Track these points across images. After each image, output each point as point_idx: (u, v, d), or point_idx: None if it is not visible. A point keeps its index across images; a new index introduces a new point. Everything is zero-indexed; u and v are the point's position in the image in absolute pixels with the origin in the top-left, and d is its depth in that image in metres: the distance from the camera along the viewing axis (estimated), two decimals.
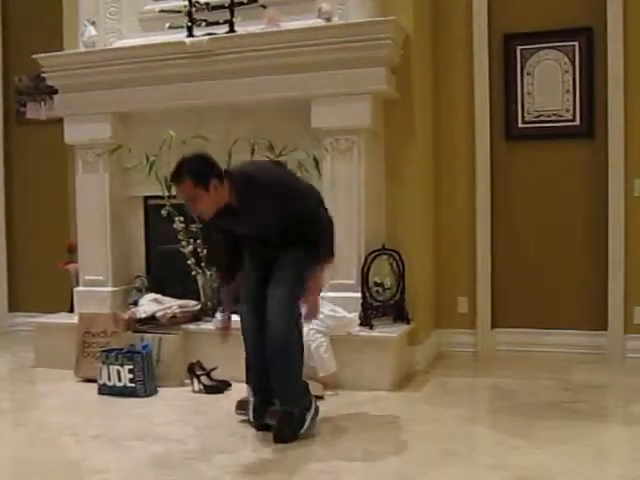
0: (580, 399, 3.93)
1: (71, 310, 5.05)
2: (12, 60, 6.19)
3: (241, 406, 3.66)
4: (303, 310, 3.46)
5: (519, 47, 4.93)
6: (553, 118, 4.90)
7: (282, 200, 3.33)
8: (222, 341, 3.68)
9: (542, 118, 4.91)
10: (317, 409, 3.49)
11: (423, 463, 3.07)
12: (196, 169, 3.27)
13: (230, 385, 4.21)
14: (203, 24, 4.71)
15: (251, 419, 3.55)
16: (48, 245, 5.84)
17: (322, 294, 4.28)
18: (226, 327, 3.68)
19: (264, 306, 3.43)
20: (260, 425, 3.49)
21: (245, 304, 3.56)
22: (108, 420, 3.86)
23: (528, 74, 4.93)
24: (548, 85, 4.89)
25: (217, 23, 4.68)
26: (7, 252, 6.29)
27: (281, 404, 3.41)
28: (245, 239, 3.59)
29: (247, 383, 3.64)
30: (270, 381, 3.47)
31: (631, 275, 4.75)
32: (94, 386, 4.27)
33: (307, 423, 3.38)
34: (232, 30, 4.64)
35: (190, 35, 4.68)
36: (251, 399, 3.57)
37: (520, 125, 4.95)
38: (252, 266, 3.57)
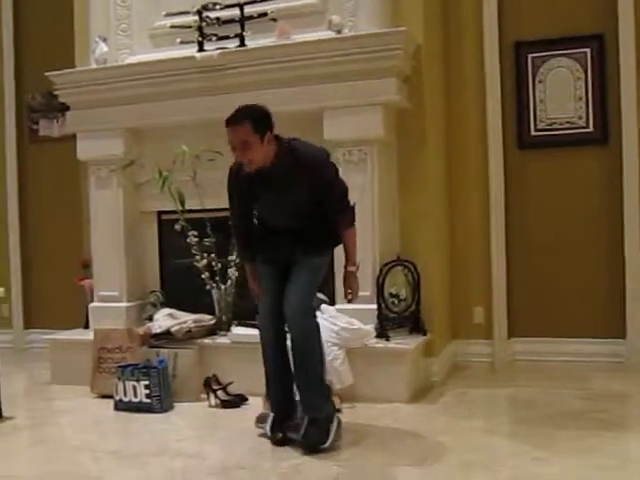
0: (601, 408, 3.89)
1: (86, 326, 5.05)
2: (25, 78, 6.24)
3: (261, 419, 3.65)
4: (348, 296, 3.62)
5: (530, 55, 4.92)
6: (566, 125, 4.87)
7: (318, 175, 3.38)
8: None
9: (555, 126, 4.89)
10: (339, 421, 3.47)
11: (443, 475, 3.04)
12: (257, 116, 3.30)
13: (246, 399, 4.19)
14: (214, 39, 4.72)
15: (268, 433, 3.53)
16: (63, 261, 5.86)
17: (337, 307, 4.30)
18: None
19: (282, 319, 3.47)
20: (277, 440, 3.48)
21: (262, 318, 3.57)
22: (125, 436, 3.85)
23: (540, 82, 4.91)
24: (560, 92, 4.87)
25: (227, 37, 4.70)
26: (22, 269, 6.31)
27: (305, 411, 3.40)
28: (262, 229, 3.60)
29: (267, 397, 3.63)
30: (289, 396, 3.53)
31: None
32: (110, 402, 4.25)
33: (332, 434, 3.36)
34: (243, 44, 4.65)
35: (201, 50, 4.70)
36: (270, 413, 3.56)
37: (533, 133, 4.93)
38: (267, 277, 3.57)
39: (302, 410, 3.45)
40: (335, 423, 3.41)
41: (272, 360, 3.56)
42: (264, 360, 3.58)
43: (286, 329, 3.52)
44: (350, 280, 3.59)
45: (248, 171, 3.39)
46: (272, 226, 3.58)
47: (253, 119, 3.28)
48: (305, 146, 3.45)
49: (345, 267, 3.59)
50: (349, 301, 3.64)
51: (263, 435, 3.56)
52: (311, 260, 3.48)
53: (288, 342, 3.53)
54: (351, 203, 3.54)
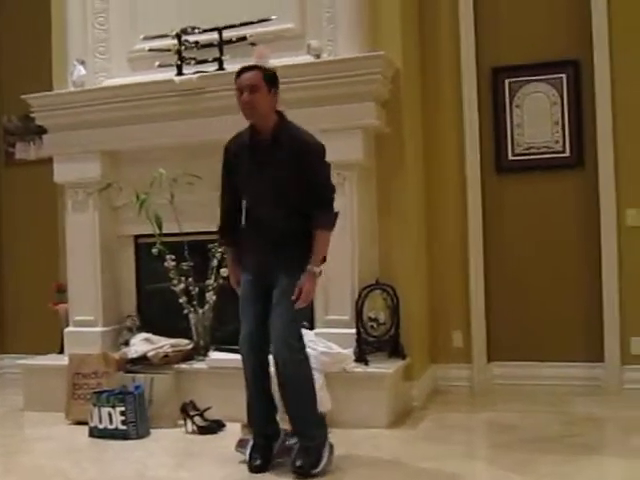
0: (580, 432, 3.89)
1: (61, 351, 4.98)
2: (1, 100, 6.18)
3: (241, 444, 3.60)
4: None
5: (507, 80, 4.96)
6: (543, 150, 4.91)
7: (310, 166, 3.42)
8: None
9: (532, 150, 4.92)
10: (332, 446, 3.43)
11: None
12: (267, 70, 3.49)
13: (224, 425, 4.14)
14: (192, 62, 4.72)
15: (247, 459, 3.48)
16: (38, 286, 5.78)
17: (316, 331, 4.28)
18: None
19: (264, 344, 3.44)
20: (255, 466, 3.43)
21: (243, 345, 3.51)
22: (100, 464, 3.78)
23: (517, 106, 4.95)
24: (537, 117, 4.91)
25: (206, 61, 4.70)
26: None
27: (298, 439, 3.38)
28: (249, 229, 3.56)
29: (249, 425, 3.59)
30: (271, 422, 3.52)
31: (626, 306, 4.72)
32: (86, 429, 4.18)
33: (324, 460, 3.34)
34: (221, 68, 4.66)
35: (180, 73, 4.69)
36: (250, 441, 3.52)
37: (510, 157, 4.96)
38: (247, 298, 3.52)
39: (295, 437, 3.41)
40: (327, 448, 3.38)
41: (253, 385, 3.51)
42: (246, 385, 3.53)
43: (271, 358, 3.46)
44: (306, 280, 3.39)
45: (251, 121, 3.48)
46: (258, 221, 3.51)
47: (263, 70, 3.46)
48: (306, 132, 3.54)
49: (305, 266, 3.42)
50: (294, 301, 3.38)
51: (242, 461, 3.51)
52: (293, 281, 3.40)
53: (271, 369, 3.48)
54: (335, 209, 3.52)
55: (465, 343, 5.00)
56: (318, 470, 3.30)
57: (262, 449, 3.46)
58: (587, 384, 4.74)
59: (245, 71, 3.47)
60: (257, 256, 3.52)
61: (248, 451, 3.49)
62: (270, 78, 3.46)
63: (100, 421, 4.13)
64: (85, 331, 4.89)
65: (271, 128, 3.46)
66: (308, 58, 4.48)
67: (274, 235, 3.46)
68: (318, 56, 4.45)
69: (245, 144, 3.51)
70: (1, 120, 6.21)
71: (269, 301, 3.45)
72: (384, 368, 4.24)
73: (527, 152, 4.94)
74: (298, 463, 3.31)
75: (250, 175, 3.51)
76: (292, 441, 3.48)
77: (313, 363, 3.99)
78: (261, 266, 3.50)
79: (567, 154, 4.87)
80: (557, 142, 4.88)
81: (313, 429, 3.39)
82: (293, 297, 3.38)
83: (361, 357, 4.27)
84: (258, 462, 3.43)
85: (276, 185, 3.44)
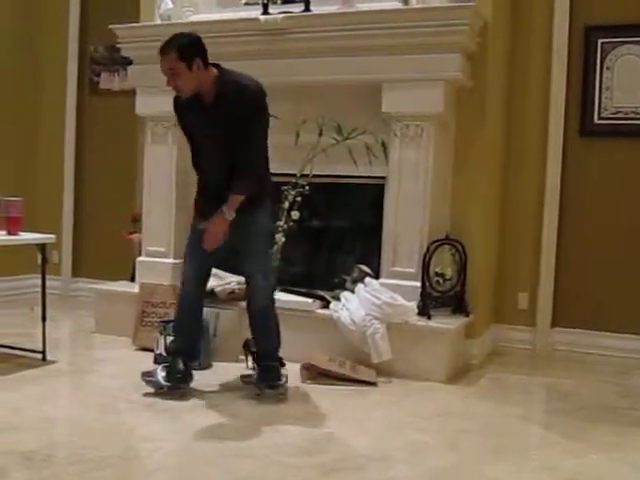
0: (638, 406, 3.82)
1: (132, 279, 5.13)
2: (89, 29, 6.29)
3: (148, 374, 3.78)
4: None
5: (600, 40, 4.78)
6: (631, 115, 4.74)
7: (252, 122, 3.49)
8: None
9: (620, 115, 4.75)
10: (286, 376, 3.78)
11: (474, 458, 3.03)
12: (184, 44, 3.42)
13: (284, 364, 4.21)
14: (279, 2, 4.70)
15: (162, 382, 3.70)
16: (114, 213, 5.94)
17: (381, 281, 4.29)
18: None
19: (205, 282, 3.83)
20: (176, 387, 3.69)
21: (188, 280, 3.76)
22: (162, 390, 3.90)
23: (608, 68, 4.78)
24: (628, 81, 4.73)
25: (293, 1, 4.67)
26: (74, 219, 6.42)
27: (266, 361, 3.74)
28: (201, 180, 3.76)
29: (173, 344, 3.87)
30: (197, 349, 3.93)
31: None
32: (150, 355, 4.32)
33: (284, 378, 3.74)
34: (307, 9, 4.61)
35: (265, 12, 4.67)
36: (159, 370, 3.74)
37: (596, 121, 4.81)
38: (199, 243, 3.63)
39: (262, 358, 3.78)
40: (285, 375, 3.77)
41: (196, 313, 3.82)
42: (180, 311, 3.80)
43: None
44: (214, 223, 3.53)
45: (184, 97, 3.53)
46: (211, 175, 3.67)
47: (179, 47, 3.40)
48: (246, 76, 3.56)
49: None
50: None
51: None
52: (256, 221, 3.62)
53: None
54: (255, 173, 3.57)
55: (530, 306, 4.95)
56: (281, 382, 3.70)
57: (187, 369, 3.75)
58: None
59: (161, 54, 3.44)
60: (211, 208, 3.58)
61: (162, 374, 3.70)
62: (185, 52, 3.40)
63: (165, 349, 4.25)
64: (156, 261, 5.01)
65: (211, 87, 3.49)
66: (396, 4, 4.39)
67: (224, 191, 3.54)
68: (406, 2, 4.37)
69: (194, 101, 3.54)
70: (88, 49, 6.31)
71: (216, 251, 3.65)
72: (446, 324, 4.23)
73: (614, 116, 4.78)
74: (263, 380, 3.70)
75: (201, 134, 3.63)
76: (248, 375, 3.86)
77: (376, 312, 4.06)
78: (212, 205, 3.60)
79: None
80: None
81: (279, 350, 3.79)
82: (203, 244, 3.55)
83: (424, 311, 4.27)
84: (185, 383, 3.74)
85: (226, 141, 3.51)
